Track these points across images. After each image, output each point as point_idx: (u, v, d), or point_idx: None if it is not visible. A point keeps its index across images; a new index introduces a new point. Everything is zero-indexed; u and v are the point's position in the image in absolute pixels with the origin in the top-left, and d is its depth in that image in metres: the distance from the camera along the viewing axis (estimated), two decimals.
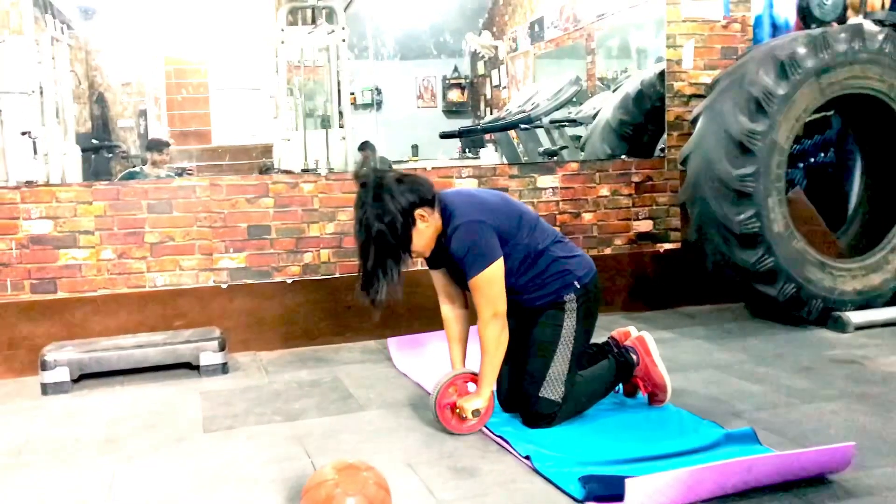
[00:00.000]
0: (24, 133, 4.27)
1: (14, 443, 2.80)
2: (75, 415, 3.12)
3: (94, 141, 5.73)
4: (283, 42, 5.26)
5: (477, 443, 2.61)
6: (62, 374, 3.40)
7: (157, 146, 5.76)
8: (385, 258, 2.51)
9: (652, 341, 2.84)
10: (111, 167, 5.34)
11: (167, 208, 3.86)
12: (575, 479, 2.21)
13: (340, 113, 5.78)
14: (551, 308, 2.68)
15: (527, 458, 2.42)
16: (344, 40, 5.57)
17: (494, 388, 2.69)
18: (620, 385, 2.86)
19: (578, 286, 2.68)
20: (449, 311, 2.82)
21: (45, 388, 3.39)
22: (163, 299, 3.85)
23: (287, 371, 3.62)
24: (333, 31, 5.22)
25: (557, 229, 2.85)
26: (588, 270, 2.73)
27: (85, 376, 3.48)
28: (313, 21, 5.27)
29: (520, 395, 2.71)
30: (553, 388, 2.63)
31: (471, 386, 2.71)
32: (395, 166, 4.36)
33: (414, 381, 3.34)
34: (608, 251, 4.53)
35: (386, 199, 2.49)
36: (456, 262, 2.59)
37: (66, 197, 3.74)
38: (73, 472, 2.50)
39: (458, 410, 2.64)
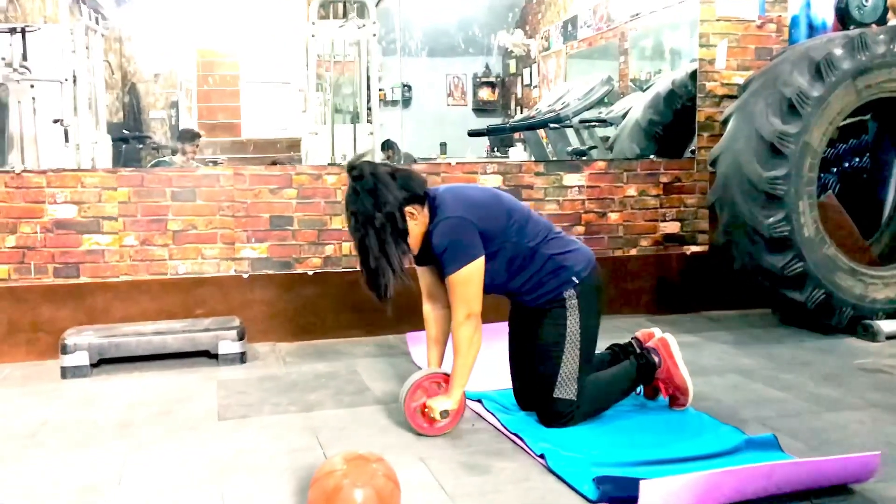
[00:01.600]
0: (56, 121, 4.32)
1: (31, 425, 2.82)
2: (93, 399, 3.13)
3: (124, 131, 5.78)
4: (313, 36, 5.26)
5: (492, 440, 2.57)
6: (82, 359, 3.41)
7: (188, 137, 5.78)
8: (388, 249, 2.47)
9: (675, 343, 2.77)
10: (141, 157, 5.37)
11: (190, 196, 3.87)
12: (589, 480, 2.16)
13: (369, 108, 5.77)
14: (552, 306, 2.61)
15: (541, 456, 2.37)
16: (374, 35, 5.56)
17: (465, 389, 2.62)
18: (641, 387, 2.80)
19: (577, 281, 2.61)
20: (430, 310, 2.76)
21: (65, 372, 3.41)
22: (184, 287, 3.85)
23: (305, 362, 3.61)
24: (364, 26, 5.21)
25: (552, 223, 2.74)
26: (586, 264, 2.64)
27: (104, 361, 3.50)
28: (344, 15, 5.26)
29: (534, 397, 2.67)
30: (567, 388, 2.58)
31: (443, 387, 2.65)
32: (421, 163, 4.34)
33: None
34: (634, 252, 4.46)
35: (382, 189, 2.45)
36: (437, 257, 2.53)
37: (91, 182, 3.76)
38: (86, 456, 2.51)
39: (426, 410, 2.57)
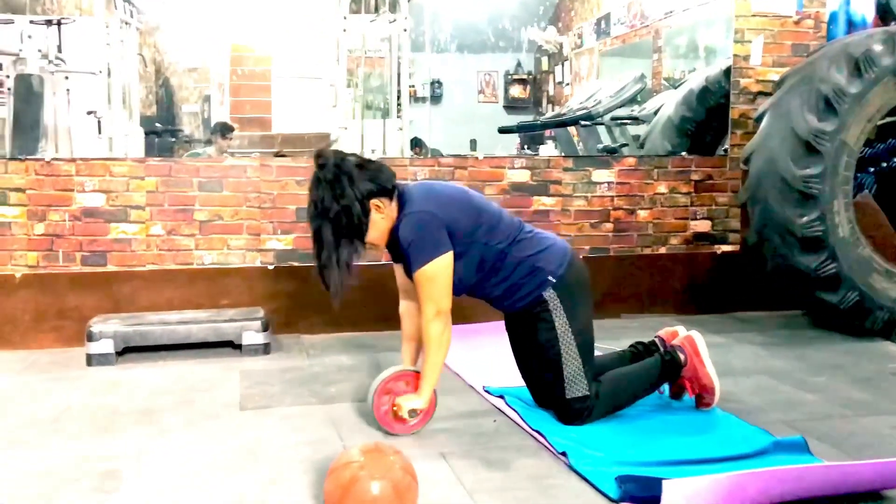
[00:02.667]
0: (89, 112, 4.36)
1: (54, 410, 2.83)
2: (116, 386, 3.14)
3: (157, 125, 5.83)
4: (344, 30, 5.26)
5: (513, 436, 2.54)
6: (107, 346, 3.43)
7: (222, 130, 5.82)
8: (339, 244, 2.40)
9: (702, 341, 2.71)
10: (174, 150, 5.41)
11: (217, 187, 3.87)
12: (611, 479, 2.11)
13: (399, 103, 5.76)
14: (535, 309, 2.54)
15: (563, 454, 2.33)
16: (405, 30, 5.54)
17: (436, 387, 2.56)
18: (666, 386, 2.74)
19: (554, 280, 2.52)
20: (406, 307, 2.71)
21: (90, 359, 3.43)
22: (209, 277, 3.86)
23: (328, 355, 3.60)
24: (395, 20, 5.19)
25: (524, 222, 2.65)
26: (561, 260, 2.55)
27: (129, 349, 3.51)
28: (376, 10, 5.25)
29: (548, 400, 2.63)
30: (577, 386, 2.53)
31: (410, 385, 2.59)
32: (448, 157, 4.31)
33: (454, 372, 3.27)
34: (663, 250, 4.39)
35: (344, 182, 2.38)
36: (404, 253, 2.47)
37: (119, 171, 3.78)
38: (106, 442, 2.51)
39: (395, 408, 2.52)
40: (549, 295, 2.53)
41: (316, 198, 2.40)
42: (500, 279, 2.55)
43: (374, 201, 2.43)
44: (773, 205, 3.78)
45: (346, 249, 2.41)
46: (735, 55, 4.42)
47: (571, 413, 2.54)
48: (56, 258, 3.72)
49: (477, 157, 4.18)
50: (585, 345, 2.56)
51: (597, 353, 2.66)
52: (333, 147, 2.50)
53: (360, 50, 5.77)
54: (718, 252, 4.46)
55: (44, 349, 3.69)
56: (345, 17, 5.06)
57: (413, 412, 2.50)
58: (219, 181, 3.87)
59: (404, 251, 2.44)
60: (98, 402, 2.93)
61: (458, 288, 2.54)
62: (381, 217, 2.46)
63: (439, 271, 2.42)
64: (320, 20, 5.41)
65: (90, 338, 3.43)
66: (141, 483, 2.20)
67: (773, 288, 4.15)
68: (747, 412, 2.73)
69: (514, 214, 2.67)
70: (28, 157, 3.75)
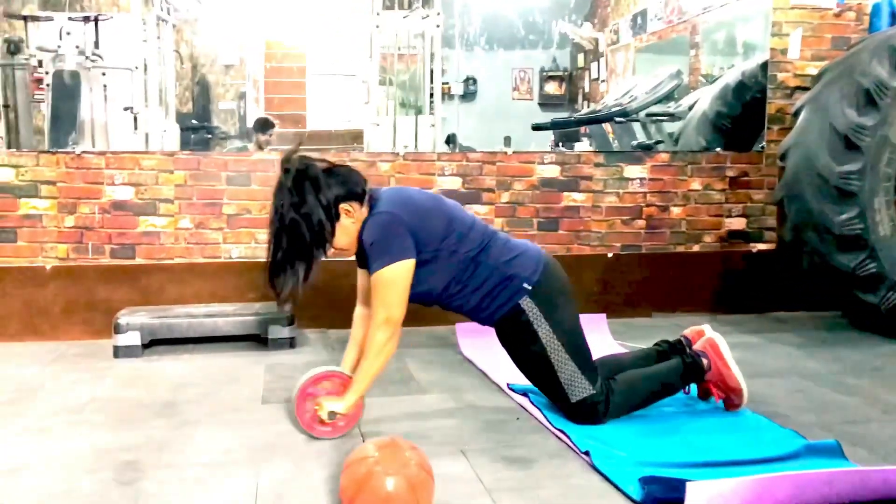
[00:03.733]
0: (126, 108, 4.40)
1: (79, 401, 2.85)
2: (141, 378, 3.15)
3: (193, 121, 5.87)
4: (377, 26, 5.24)
5: (536, 435, 2.49)
6: (133, 339, 3.45)
7: (262, 126, 5.84)
8: (295, 252, 2.33)
9: (724, 343, 2.62)
10: (210, 147, 5.45)
11: (245, 181, 3.87)
12: (635, 480, 2.05)
13: (431, 100, 5.72)
14: (515, 320, 2.48)
15: (586, 453, 2.27)
16: (438, 26, 5.50)
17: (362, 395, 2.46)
18: (694, 386, 2.66)
19: (530, 287, 2.45)
20: (360, 312, 2.63)
21: (117, 351, 3.45)
22: (237, 271, 3.86)
23: None
24: (427, 16, 5.16)
25: (495, 229, 2.57)
26: (535, 267, 2.47)
27: (156, 342, 3.53)
28: (409, 6, 5.22)
29: (557, 406, 2.56)
30: (577, 388, 2.46)
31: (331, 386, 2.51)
32: (477, 152, 4.26)
33: (479, 368, 3.24)
34: (696, 248, 4.30)
35: (306, 189, 2.30)
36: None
37: (148, 165, 3.80)
38: (128, 433, 2.51)
39: (316, 407, 2.43)
40: (527, 303, 2.45)
41: (276, 204, 2.34)
42: (473, 288, 2.47)
43: (343, 206, 2.37)
44: (810, 202, 3.67)
45: (303, 258, 2.34)
46: (772, 49, 4.32)
47: (581, 414, 2.49)
48: (86, 250, 3.75)
49: (506, 153, 4.12)
50: (575, 346, 2.48)
51: (621, 350, 2.59)
52: (301, 153, 2.37)
53: (392, 46, 5.75)
54: (754, 250, 4.35)
55: (73, 340, 3.72)
56: (377, 13, 5.04)
57: (332, 414, 2.40)
58: (247, 175, 3.88)
59: (366, 251, 2.37)
60: (122, 393, 2.95)
61: (429, 298, 2.49)
62: (352, 221, 2.39)
63: (397, 276, 2.34)
64: (353, 16, 5.40)
65: (117, 330, 3.45)
66: (160, 474, 2.19)
67: (811, 288, 4.04)
68: (780, 414, 2.64)
69: (487, 223, 2.61)
70: (59, 150, 3.78)
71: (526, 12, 6.48)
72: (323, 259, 2.43)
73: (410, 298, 2.43)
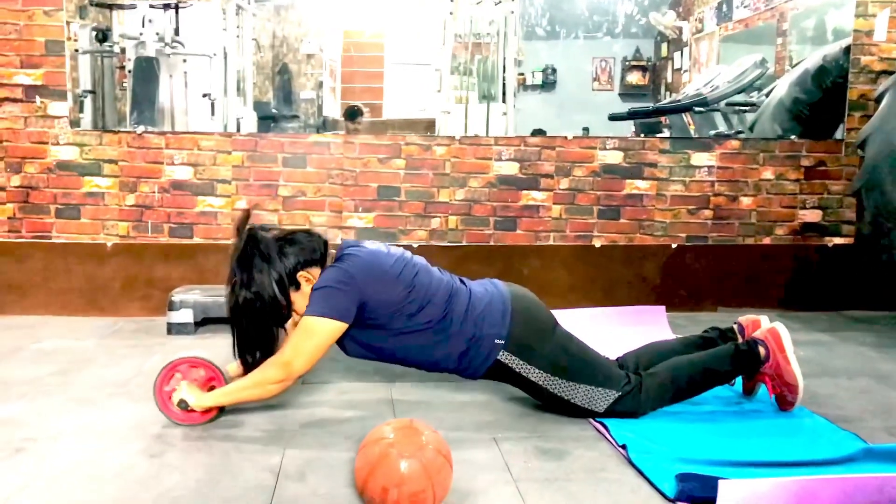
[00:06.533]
0: (204, 95, 4.47)
1: (125, 375, 2.89)
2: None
3: (273, 110, 5.93)
4: (451, 13, 5.19)
5: (573, 426, 2.38)
6: (186, 316, 3.49)
7: (351, 114, 5.87)
8: (256, 329, 2.28)
9: (786, 334, 2.44)
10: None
11: (301, 163, 3.87)
12: (671, 476, 1.93)
13: (504, 88, 5.63)
14: (499, 369, 2.37)
15: (623, 447, 2.17)
16: (512, 12, 5.42)
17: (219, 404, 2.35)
18: (739, 380, 2.51)
19: (502, 341, 2.33)
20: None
21: (170, 328, 3.50)
22: None
23: None
24: (500, 2, 5.08)
25: (456, 285, 2.41)
26: (502, 318, 2.34)
27: (208, 320, 3.56)
28: None
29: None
30: (599, 400, 2.36)
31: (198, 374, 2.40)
32: (537, 136, 4.15)
33: None
34: (767, 241, 4.08)
35: (255, 265, 2.24)
36: None
37: (206, 145, 3.84)
38: None
39: (176, 388, 2.33)
40: (505, 356, 2.35)
41: (229, 281, 2.29)
42: (446, 353, 2.36)
43: (302, 273, 2.31)
44: (890, 193, 3.42)
45: (265, 333, 2.30)
46: (856, 31, 4.06)
47: (614, 415, 2.38)
48: (145, 229, 3.82)
49: (566, 137, 4.00)
50: (574, 369, 2.36)
51: (665, 338, 2.46)
52: (251, 224, 2.33)
53: (467, 34, 5.68)
54: (830, 245, 4.10)
55: (131, 317, 3.80)
56: (451, 1, 4.99)
57: (182, 403, 2.29)
58: (303, 157, 3.87)
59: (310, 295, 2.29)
60: None
61: (401, 360, 2.42)
62: (312, 287, 2.31)
63: (321, 331, 2.24)
64: (431, 4, 5.37)
65: (171, 307, 3.50)
66: (186, 446, 2.20)
67: (890, 285, 3.78)
68: (842, 417, 2.47)
69: (451, 275, 2.48)
70: (120, 129, 3.86)
71: (612, 1, 6.33)
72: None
73: (397, 360, 2.41)
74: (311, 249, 2.34)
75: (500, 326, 2.34)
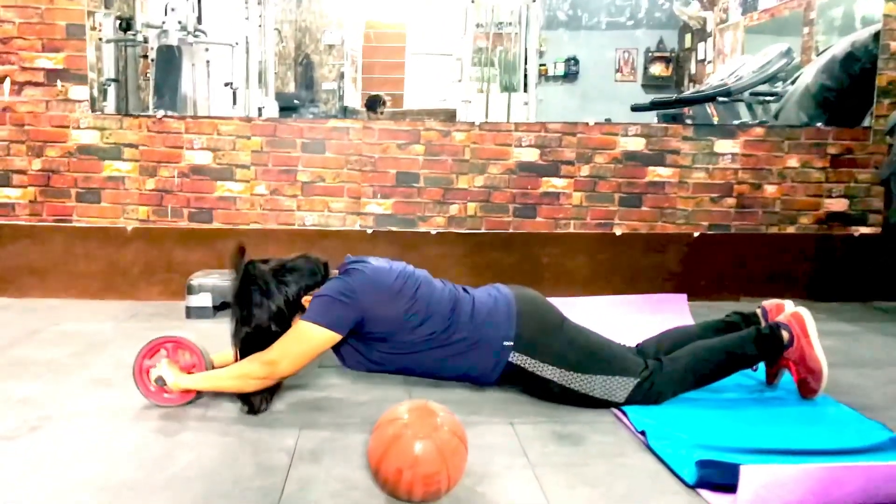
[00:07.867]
0: (226, 84, 4.47)
1: None
2: (206, 339, 3.09)
3: (296, 101, 5.94)
4: (472, 2, 5.15)
5: (592, 412, 2.34)
6: (205, 300, 3.49)
7: (373, 103, 5.87)
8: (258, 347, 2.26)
9: (810, 319, 2.39)
10: None
11: (320, 149, 3.85)
12: (691, 462, 1.89)
13: (525, 77, 5.59)
14: (513, 372, 2.34)
15: (642, 433, 2.13)
16: (533, 2, 5.37)
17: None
18: (762, 366, 2.46)
19: (511, 343, 2.31)
20: None
21: (189, 312, 3.50)
22: (310, 238, 3.86)
23: None
24: None
25: (459, 296, 2.39)
26: (508, 320, 2.32)
27: (228, 304, 3.54)
28: None
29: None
30: (618, 390, 2.32)
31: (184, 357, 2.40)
32: (558, 122, 4.10)
33: None
34: (791, 230, 4.02)
35: (254, 302, 2.23)
36: None
37: (226, 130, 3.83)
38: None
39: (157, 365, 2.32)
40: (517, 357, 2.32)
41: (232, 315, 2.29)
42: (457, 362, 2.35)
43: (306, 298, 2.30)
44: None
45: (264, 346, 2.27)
46: (886, 15, 3.97)
47: (635, 403, 2.34)
48: (165, 213, 3.83)
49: (587, 123, 3.95)
50: (588, 362, 2.32)
51: (686, 323, 2.41)
52: (245, 259, 2.30)
53: (488, 24, 5.65)
54: (856, 234, 4.03)
55: (150, 301, 3.81)
56: None
57: (159, 380, 2.29)
58: (321, 143, 3.86)
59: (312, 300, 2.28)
60: None
61: (408, 371, 2.41)
62: None
63: (313, 338, 2.22)
64: None
65: (189, 291, 3.50)
66: (200, 426, 2.19)
67: None
68: (868, 406, 2.41)
69: (454, 285, 2.47)
70: (140, 113, 3.87)
71: None
72: None
73: (403, 371, 2.40)
74: (311, 272, 2.34)
75: (506, 328, 2.32)
